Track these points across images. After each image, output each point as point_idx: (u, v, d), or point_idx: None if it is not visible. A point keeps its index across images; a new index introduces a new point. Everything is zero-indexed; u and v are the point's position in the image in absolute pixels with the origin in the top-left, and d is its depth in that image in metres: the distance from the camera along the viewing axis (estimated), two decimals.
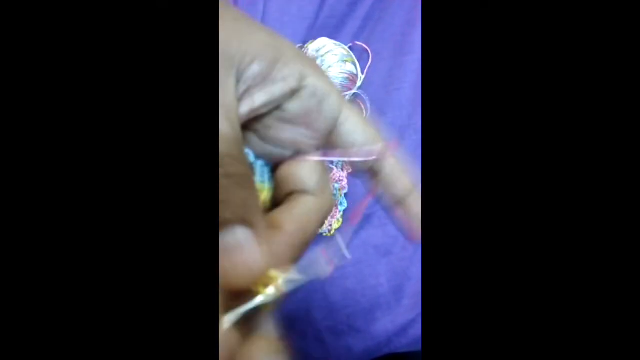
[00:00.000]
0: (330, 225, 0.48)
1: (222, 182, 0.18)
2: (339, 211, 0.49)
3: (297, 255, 0.22)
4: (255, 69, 0.21)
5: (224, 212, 0.18)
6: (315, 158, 0.24)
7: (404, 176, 0.25)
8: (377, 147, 0.24)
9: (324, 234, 0.49)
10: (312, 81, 0.23)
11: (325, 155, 0.24)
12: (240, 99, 0.22)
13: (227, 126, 0.20)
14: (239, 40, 0.21)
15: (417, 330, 0.47)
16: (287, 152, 0.24)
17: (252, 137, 0.24)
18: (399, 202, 0.25)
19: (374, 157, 0.24)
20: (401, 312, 0.48)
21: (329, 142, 0.24)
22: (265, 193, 0.24)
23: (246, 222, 0.19)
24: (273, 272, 0.19)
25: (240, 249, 0.18)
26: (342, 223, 0.49)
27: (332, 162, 0.48)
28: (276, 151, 0.24)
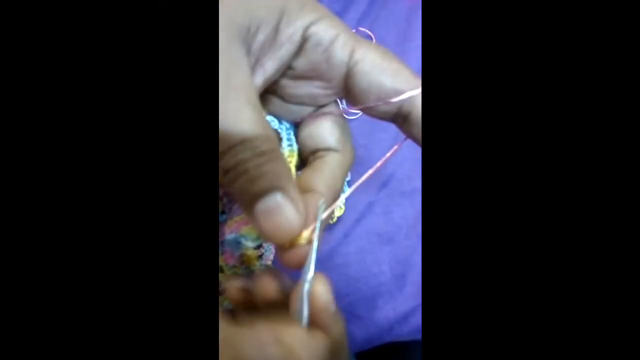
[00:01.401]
0: (333, 212, 0.48)
1: (257, 159, 0.20)
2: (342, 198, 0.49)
3: (331, 210, 0.24)
4: (261, 38, 0.21)
5: (261, 183, 0.20)
6: (336, 113, 0.24)
7: None
8: (402, 84, 0.22)
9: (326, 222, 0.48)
10: (314, 30, 0.22)
11: (346, 108, 0.24)
12: (252, 71, 0.22)
13: (250, 109, 0.20)
14: (242, 9, 0.21)
15: (419, 318, 0.48)
16: (309, 108, 0.25)
17: (273, 99, 0.24)
18: None
19: (399, 98, 0.22)
20: (403, 300, 0.48)
21: (347, 88, 0.23)
22: (294, 157, 0.24)
23: (281, 189, 0.21)
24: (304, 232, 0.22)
25: (280, 211, 0.21)
26: (345, 210, 0.49)
27: None
28: (298, 109, 0.25)
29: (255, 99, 0.21)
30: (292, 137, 0.25)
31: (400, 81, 0.22)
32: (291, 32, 0.22)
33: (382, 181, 0.50)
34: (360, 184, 0.25)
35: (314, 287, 0.21)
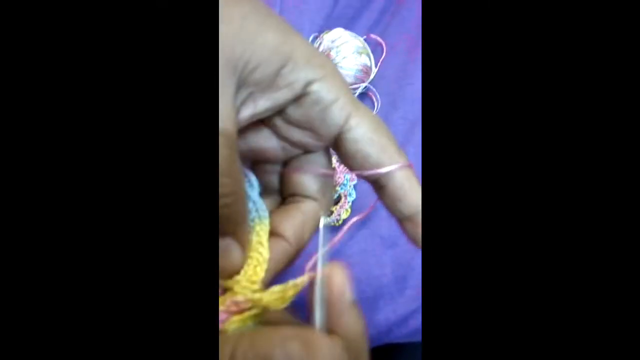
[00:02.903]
0: (339, 215, 0.49)
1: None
2: (348, 202, 0.50)
3: (293, 259, 0.25)
4: (258, 75, 0.21)
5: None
6: (318, 172, 0.25)
7: (413, 193, 0.23)
8: (385, 159, 0.23)
9: (332, 224, 0.50)
10: (317, 88, 0.22)
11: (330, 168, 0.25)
12: (242, 103, 0.21)
13: (221, 143, 0.20)
14: (243, 44, 0.20)
15: (417, 320, 0.48)
16: (297, 150, 0.25)
17: (264, 130, 0.24)
18: (407, 218, 0.24)
19: (378, 172, 0.23)
20: (403, 303, 0.49)
21: (336, 147, 0.24)
22: (266, 228, 0.24)
23: (230, 234, 0.22)
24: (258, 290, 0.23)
25: (226, 254, 0.22)
26: (350, 213, 0.50)
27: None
28: (287, 148, 0.25)
29: (230, 132, 0.20)
30: (259, 204, 0.24)
31: (384, 156, 0.23)
32: (292, 80, 0.22)
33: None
34: (363, 184, 0.26)
35: (330, 277, 0.21)
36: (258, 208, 0.24)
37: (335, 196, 0.50)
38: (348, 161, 0.24)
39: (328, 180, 0.25)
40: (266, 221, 0.24)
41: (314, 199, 0.25)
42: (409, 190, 0.23)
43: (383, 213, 0.52)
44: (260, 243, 0.24)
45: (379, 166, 0.23)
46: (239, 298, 0.23)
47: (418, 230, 0.24)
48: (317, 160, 0.25)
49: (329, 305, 0.21)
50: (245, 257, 0.23)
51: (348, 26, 0.60)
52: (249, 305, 0.23)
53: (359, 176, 0.24)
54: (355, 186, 0.51)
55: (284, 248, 0.24)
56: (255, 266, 0.23)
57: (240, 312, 0.23)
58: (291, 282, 0.23)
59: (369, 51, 0.58)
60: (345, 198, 0.50)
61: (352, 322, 0.21)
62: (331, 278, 0.21)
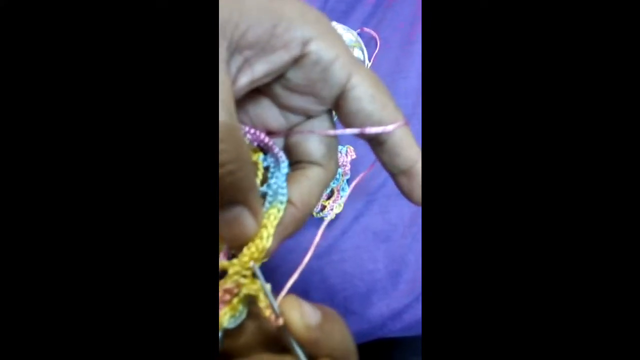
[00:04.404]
0: (332, 209, 0.49)
1: (220, 170, 0.20)
2: (341, 196, 0.50)
3: (301, 224, 0.25)
4: (251, 37, 0.21)
5: (221, 196, 0.21)
6: (322, 133, 0.25)
7: (410, 148, 0.24)
8: (386, 116, 0.23)
9: (325, 218, 0.49)
10: (315, 47, 0.22)
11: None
12: (239, 69, 0.21)
13: (219, 110, 0.19)
14: (230, 6, 0.20)
15: (411, 315, 0.49)
16: (299, 119, 0.25)
17: (263, 101, 0.24)
18: (402, 172, 0.24)
19: (379, 130, 0.23)
20: (397, 297, 0.49)
21: (337, 107, 0.24)
22: (281, 212, 0.24)
23: (241, 202, 0.22)
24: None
25: (238, 222, 0.22)
26: (343, 208, 0.50)
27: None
28: (289, 117, 0.25)
29: (228, 101, 0.20)
30: (281, 186, 0.24)
31: (385, 114, 0.23)
32: (288, 40, 0.21)
33: (380, 181, 0.51)
34: (357, 184, 0.27)
35: (287, 318, 0.21)
36: (279, 188, 0.24)
37: (328, 191, 0.50)
38: (349, 120, 0.24)
39: (332, 146, 0.25)
40: (282, 206, 0.24)
41: (320, 165, 0.25)
42: (407, 145, 0.24)
43: (376, 208, 0.52)
44: (265, 227, 0.23)
45: (380, 123, 0.23)
46: (229, 285, 0.22)
47: (413, 183, 0.24)
48: (319, 125, 0.25)
49: (300, 343, 0.21)
50: (258, 224, 0.23)
51: (341, 20, 0.60)
52: (237, 290, 0.22)
53: (359, 135, 0.24)
54: (348, 181, 0.50)
55: (291, 213, 0.24)
56: (253, 252, 0.23)
57: (230, 300, 0.22)
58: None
59: (362, 45, 0.57)
60: (338, 192, 0.49)
61: (328, 345, 0.21)
62: (287, 319, 0.21)
